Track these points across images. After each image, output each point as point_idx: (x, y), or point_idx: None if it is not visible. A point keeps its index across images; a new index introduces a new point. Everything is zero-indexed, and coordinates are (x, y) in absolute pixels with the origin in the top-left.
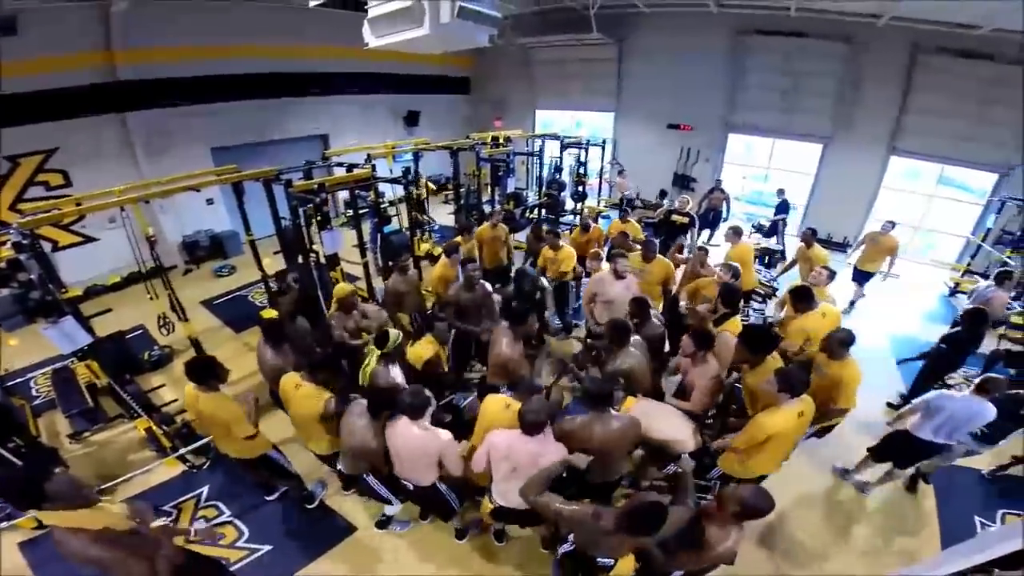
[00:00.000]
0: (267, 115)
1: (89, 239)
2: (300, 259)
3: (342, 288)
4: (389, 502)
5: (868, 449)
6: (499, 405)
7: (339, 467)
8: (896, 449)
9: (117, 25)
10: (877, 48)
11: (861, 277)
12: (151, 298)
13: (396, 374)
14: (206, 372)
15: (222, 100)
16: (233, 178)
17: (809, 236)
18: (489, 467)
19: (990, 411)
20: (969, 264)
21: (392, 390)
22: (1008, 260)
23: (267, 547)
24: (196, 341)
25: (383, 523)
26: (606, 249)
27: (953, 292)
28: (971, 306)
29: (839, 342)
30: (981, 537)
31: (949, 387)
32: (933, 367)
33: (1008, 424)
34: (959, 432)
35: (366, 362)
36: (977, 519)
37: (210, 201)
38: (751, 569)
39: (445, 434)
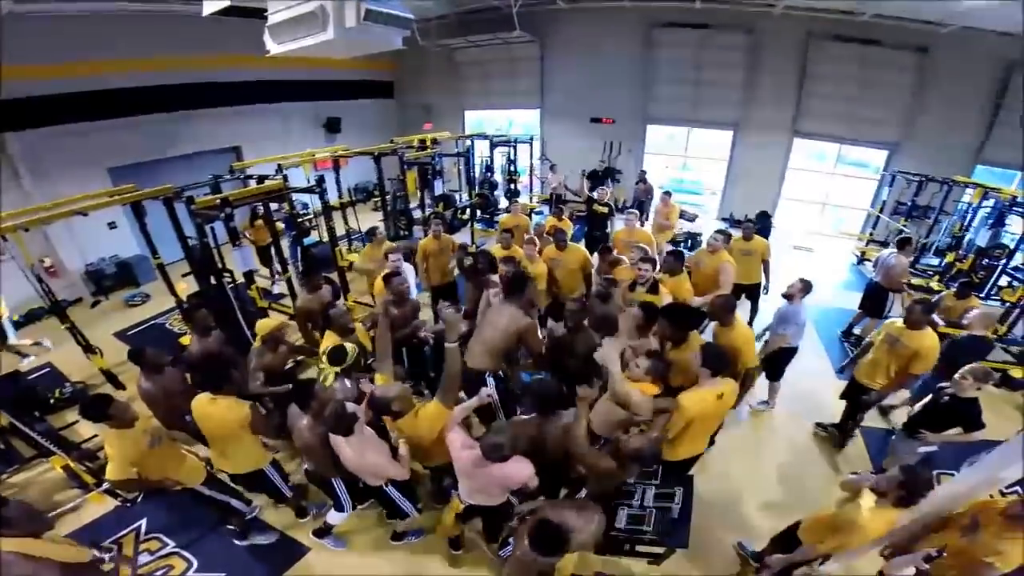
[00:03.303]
0: (172, 129)
1: None
2: (213, 280)
3: (266, 323)
4: (342, 509)
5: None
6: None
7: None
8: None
9: None
10: (775, 36)
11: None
12: (66, 327)
13: (364, 387)
14: (95, 410)
15: (116, 116)
16: (127, 198)
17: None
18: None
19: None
20: (871, 234)
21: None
22: (904, 228)
23: None
24: (111, 374)
25: (320, 532)
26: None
27: (860, 260)
28: (877, 273)
29: (722, 308)
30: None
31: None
32: None
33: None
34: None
35: (322, 379)
36: None
37: (112, 225)
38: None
39: (375, 453)
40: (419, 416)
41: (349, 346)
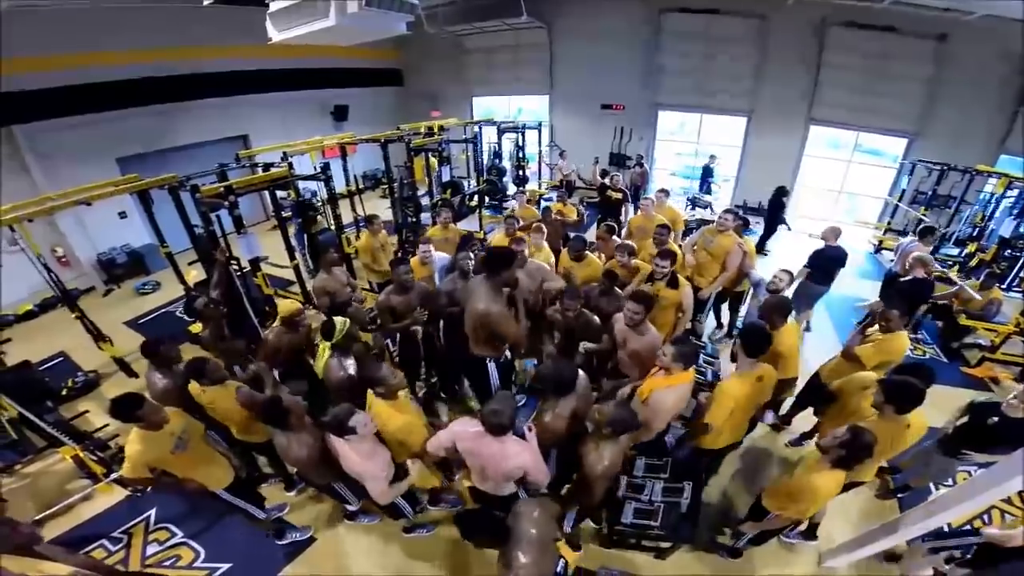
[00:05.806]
0: (179, 119)
1: None
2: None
3: (288, 305)
4: (352, 504)
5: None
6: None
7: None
8: None
9: None
10: (789, 22)
11: None
12: (76, 317)
13: (349, 366)
14: (125, 409)
15: (123, 107)
16: (131, 188)
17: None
18: (453, 452)
19: None
20: (889, 223)
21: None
22: (923, 217)
23: (226, 565)
24: (123, 362)
25: (351, 516)
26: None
27: (878, 249)
28: (897, 262)
29: (775, 309)
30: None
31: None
32: None
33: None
34: None
35: (319, 355)
36: (930, 483)
37: (123, 214)
38: None
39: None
40: (375, 407)
41: (339, 320)
